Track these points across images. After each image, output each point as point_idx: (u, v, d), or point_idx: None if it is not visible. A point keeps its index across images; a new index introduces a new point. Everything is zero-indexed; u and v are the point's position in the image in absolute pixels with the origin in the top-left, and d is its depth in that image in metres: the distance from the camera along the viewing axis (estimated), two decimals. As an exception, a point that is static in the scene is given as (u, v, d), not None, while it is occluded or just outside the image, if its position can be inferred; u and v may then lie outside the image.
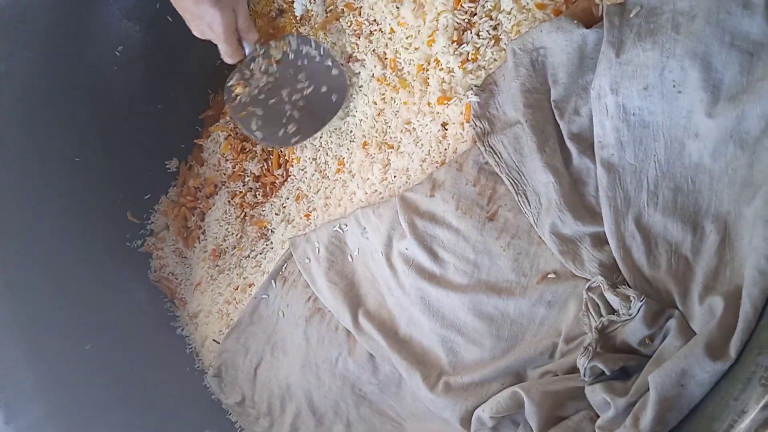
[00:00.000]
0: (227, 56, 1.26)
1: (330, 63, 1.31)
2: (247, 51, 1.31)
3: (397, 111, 1.22)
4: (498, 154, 0.99)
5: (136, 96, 1.58)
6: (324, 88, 1.31)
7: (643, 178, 0.89)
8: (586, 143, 0.93)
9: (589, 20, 0.93)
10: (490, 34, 1.05)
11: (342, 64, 1.31)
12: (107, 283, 1.46)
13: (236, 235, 1.48)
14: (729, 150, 0.83)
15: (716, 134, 0.83)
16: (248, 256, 1.43)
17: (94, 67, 1.53)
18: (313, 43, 1.33)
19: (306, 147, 1.44)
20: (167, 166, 1.63)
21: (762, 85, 0.79)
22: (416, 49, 1.16)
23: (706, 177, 0.85)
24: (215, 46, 1.40)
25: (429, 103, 1.13)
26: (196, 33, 1.18)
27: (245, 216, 1.48)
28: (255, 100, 1.35)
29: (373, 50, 1.27)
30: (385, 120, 1.25)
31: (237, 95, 1.34)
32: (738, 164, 0.82)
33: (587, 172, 0.93)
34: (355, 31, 1.32)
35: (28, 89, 1.42)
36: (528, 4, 1.01)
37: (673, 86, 0.84)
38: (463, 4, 1.07)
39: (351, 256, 1.18)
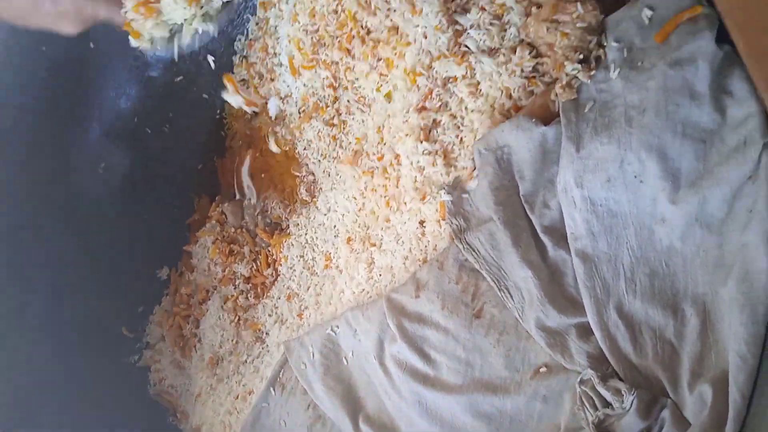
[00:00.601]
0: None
1: None
2: None
3: (377, 207, 1.24)
4: (476, 251, 1.01)
5: (121, 209, 1.61)
6: None
7: (618, 266, 0.90)
8: (559, 235, 0.95)
9: (547, 115, 0.96)
10: (455, 133, 1.08)
11: None
12: (107, 405, 1.45)
13: (232, 341, 1.48)
14: (697, 233, 0.84)
15: (682, 219, 0.84)
16: (245, 362, 1.43)
17: (77, 186, 1.56)
18: None
19: (293, 245, 1.45)
20: (158, 275, 1.64)
21: (719, 170, 0.81)
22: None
23: (679, 260, 0.86)
24: (195, 151, 1.42)
25: (404, 202, 1.15)
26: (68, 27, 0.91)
27: (239, 320, 1.49)
28: None
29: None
30: (366, 215, 1.28)
31: None
32: (708, 246, 0.84)
33: (564, 263, 0.95)
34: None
35: (11, 213, 1.44)
36: (485, 103, 1.04)
37: (635, 177, 0.86)
38: (426, 104, 1.10)
39: (346, 358, 1.18)
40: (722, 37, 0.82)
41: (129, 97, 1.60)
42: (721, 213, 0.82)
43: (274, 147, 1.47)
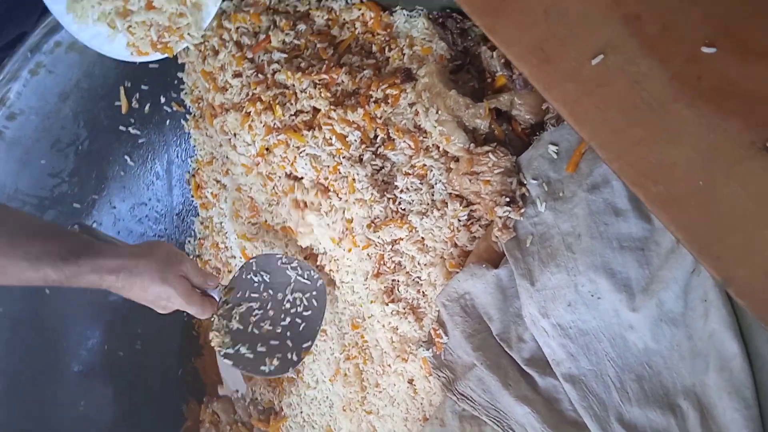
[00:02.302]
0: (200, 315, 1.16)
1: (299, 271, 1.23)
2: (216, 297, 1.19)
3: (363, 372, 1.25)
4: (470, 399, 1.02)
5: (111, 439, 1.57)
6: (301, 302, 1.22)
7: (606, 379, 0.93)
8: (543, 363, 0.98)
9: (494, 256, 1.02)
10: (416, 288, 1.12)
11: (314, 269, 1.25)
12: None
13: None
14: (665, 330, 0.89)
15: (647, 322, 0.89)
16: None
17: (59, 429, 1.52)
18: (278, 261, 1.24)
19: (291, 426, 1.44)
20: (162, 496, 1.59)
21: (663, 273, 0.87)
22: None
23: (659, 358, 0.90)
24: (172, 358, 1.43)
25: (389, 364, 1.17)
26: (161, 311, 1.13)
27: None
28: (240, 336, 1.20)
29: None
30: (353, 381, 1.28)
31: (220, 346, 1.19)
32: (679, 340, 0.88)
33: (556, 389, 0.97)
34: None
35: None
36: (435, 256, 1.09)
37: (592, 296, 0.91)
38: (381, 269, 1.15)
39: None
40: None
41: (95, 328, 1.60)
42: (679, 308, 0.87)
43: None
